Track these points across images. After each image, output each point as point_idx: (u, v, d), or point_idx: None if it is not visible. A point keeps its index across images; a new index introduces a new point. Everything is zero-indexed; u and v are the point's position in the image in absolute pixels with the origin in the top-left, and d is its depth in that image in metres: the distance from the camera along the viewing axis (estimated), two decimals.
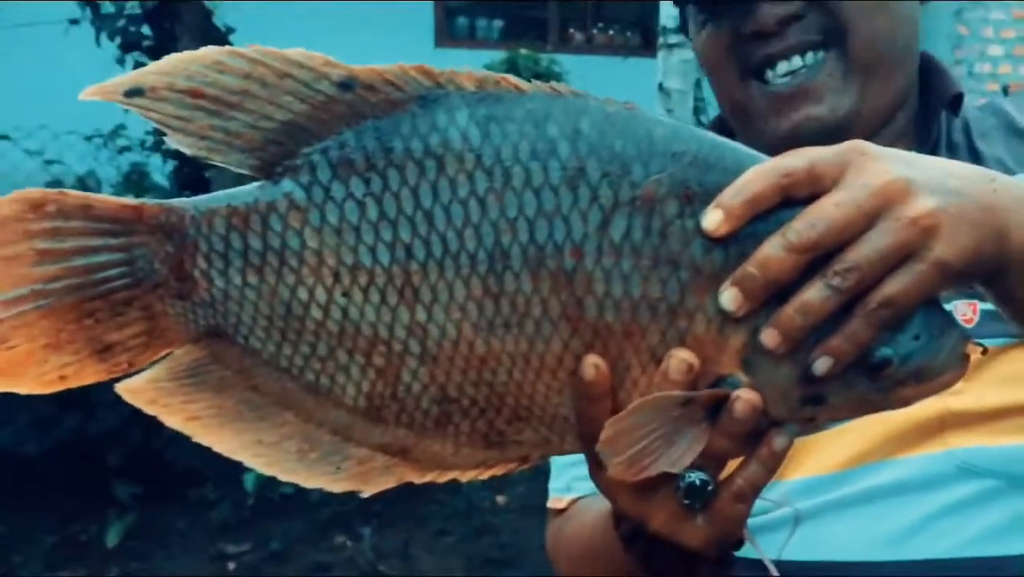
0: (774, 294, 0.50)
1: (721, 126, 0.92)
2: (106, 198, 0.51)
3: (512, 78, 0.51)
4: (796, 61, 0.78)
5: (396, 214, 0.50)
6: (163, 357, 0.53)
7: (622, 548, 0.64)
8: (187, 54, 0.49)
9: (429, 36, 6.48)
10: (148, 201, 0.52)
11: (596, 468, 0.55)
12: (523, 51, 5.05)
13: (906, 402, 0.53)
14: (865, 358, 0.50)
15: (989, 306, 0.72)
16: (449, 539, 3.13)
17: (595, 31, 7.01)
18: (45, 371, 0.51)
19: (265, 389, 0.53)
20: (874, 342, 0.50)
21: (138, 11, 3.69)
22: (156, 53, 3.72)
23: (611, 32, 7.00)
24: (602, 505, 0.72)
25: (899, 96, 0.82)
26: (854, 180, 0.49)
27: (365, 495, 0.55)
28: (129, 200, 0.51)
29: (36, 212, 0.49)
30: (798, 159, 0.50)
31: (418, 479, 0.55)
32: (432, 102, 0.51)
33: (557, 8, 6.81)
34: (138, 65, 3.77)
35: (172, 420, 0.53)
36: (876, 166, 0.50)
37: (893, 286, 0.48)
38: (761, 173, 0.50)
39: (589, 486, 0.83)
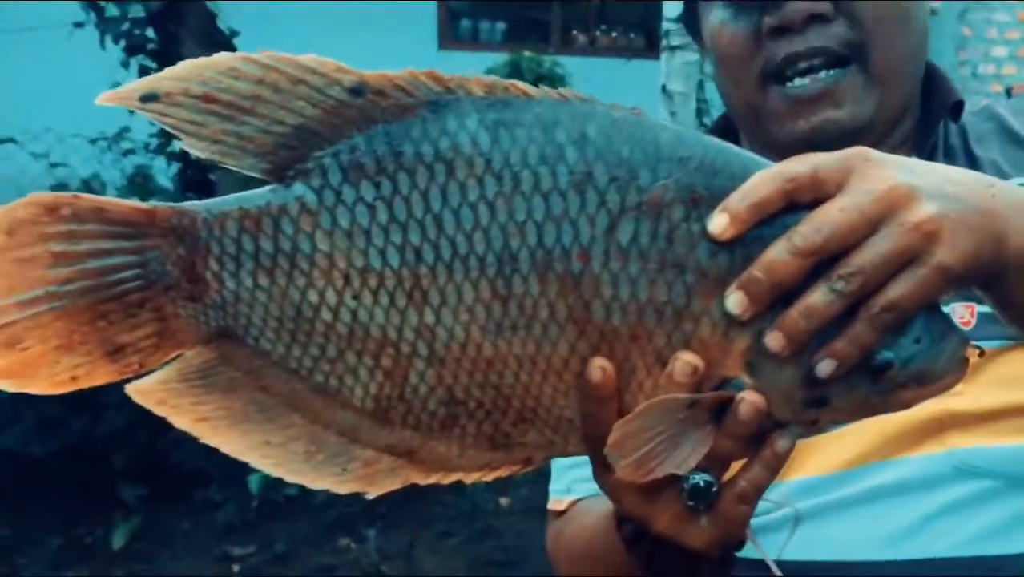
0: (778, 298, 0.50)
1: (724, 126, 0.92)
2: (119, 201, 0.51)
3: (520, 84, 0.52)
4: (819, 71, 0.78)
5: (406, 217, 0.51)
6: (173, 358, 0.54)
7: (624, 549, 0.64)
8: (201, 60, 0.50)
9: (432, 38, 6.49)
10: (161, 204, 0.52)
11: (601, 470, 0.55)
12: (526, 53, 5.06)
13: (907, 404, 0.54)
14: (867, 361, 0.51)
15: (986, 309, 0.72)
16: (453, 541, 3.13)
17: (598, 33, 7.01)
18: (57, 372, 0.51)
19: (274, 390, 0.54)
20: (876, 345, 0.50)
21: (142, 14, 3.70)
22: (160, 56, 3.74)
23: (614, 34, 7.01)
24: (602, 507, 0.72)
25: (907, 104, 0.83)
26: (858, 186, 0.50)
27: (370, 496, 0.55)
28: (142, 203, 0.52)
29: (51, 215, 0.50)
30: (802, 165, 0.51)
31: (423, 481, 0.56)
32: (442, 107, 0.51)
33: (560, 10, 6.82)
34: (143, 68, 3.80)
35: (181, 421, 0.53)
36: (879, 172, 0.50)
37: (896, 290, 0.49)
38: (766, 178, 0.51)
39: (589, 488, 0.83)
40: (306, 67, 0.50)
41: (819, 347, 0.50)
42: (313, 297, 0.52)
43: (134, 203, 0.52)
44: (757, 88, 0.80)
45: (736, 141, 0.90)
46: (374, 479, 0.55)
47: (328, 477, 0.55)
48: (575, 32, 6.99)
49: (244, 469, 0.55)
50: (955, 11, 6.13)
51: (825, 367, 0.50)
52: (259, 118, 0.51)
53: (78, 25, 3.79)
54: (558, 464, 0.90)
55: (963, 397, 0.75)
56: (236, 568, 2.99)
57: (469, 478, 0.56)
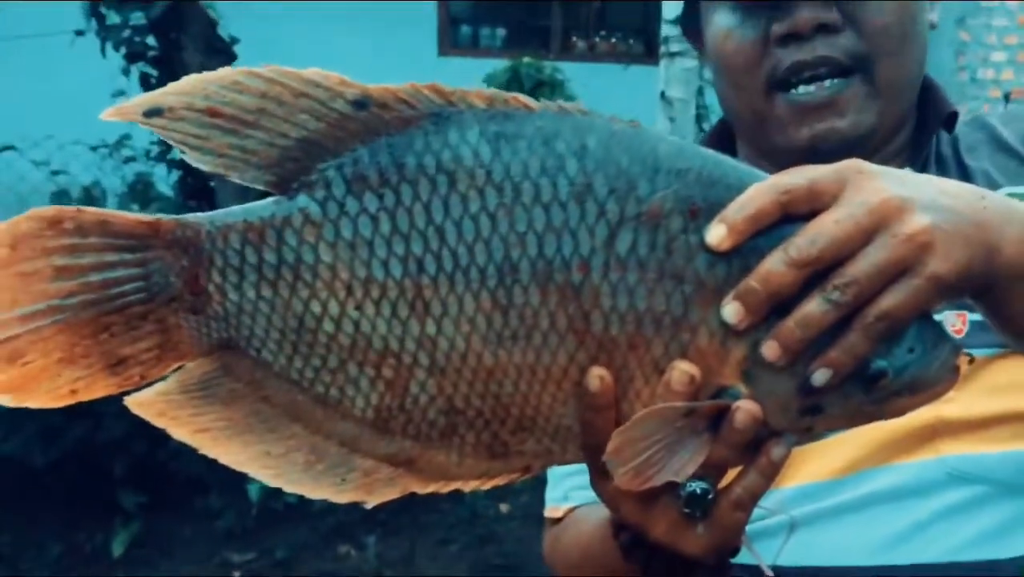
0: (774, 308, 0.51)
1: (722, 132, 0.93)
2: (123, 214, 0.52)
3: (521, 97, 0.52)
4: (824, 80, 0.78)
5: (408, 229, 0.51)
6: (174, 370, 0.54)
7: (621, 556, 0.65)
8: (205, 75, 0.50)
9: (432, 44, 6.50)
10: (164, 217, 0.52)
11: (599, 477, 0.56)
12: (526, 59, 5.06)
13: (900, 412, 0.54)
14: (861, 370, 0.51)
15: (978, 317, 0.73)
16: (453, 547, 3.13)
17: (598, 39, 7.02)
18: (58, 385, 0.51)
19: (275, 401, 0.54)
20: (870, 354, 0.51)
21: (143, 22, 3.70)
22: (161, 63, 3.74)
23: (614, 40, 7.02)
24: (599, 514, 0.73)
25: (906, 115, 0.84)
26: (852, 198, 0.50)
27: (369, 506, 0.55)
28: (146, 216, 0.52)
29: (53, 229, 0.50)
30: (798, 177, 0.52)
31: (422, 489, 0.56)
32: (444, 119, 0.52)
33: (560, 16, 6.83)
34: (144, 75, 3.80)
35: (180, 432, 0.53)
36: (873, 184, 0.51)
37: (890, 300, 0.50)
38: (763, 190, 0.51)
39: (585, 495, 0.84)
40: (309, 81, 0.51)
41: (814, 356, 0.51)
42: (316, 308, 0.52)
43: (138, 216, 0.52)
44: (761, 95, 0.81)
45: (733, 147, 0.90)
46: (373, 488, 0.55)
47: (327, 487, 0.55)
48: (575, 38, 7.00)
49: (244, 476, 0.55)
50: (954, 16, 6.15)
51: (820, 376, 0.51)
52: (263, 131, 0.51)
53: (79, 33, 3.79)
54: (555, 472, 0.90)
55: (955, 404, 0.76)
56: (236, 575, 2.99)
57: (468, 487, 0.56)
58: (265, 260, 0.52)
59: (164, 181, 4.06)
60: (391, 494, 0.56)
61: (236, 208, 0.53)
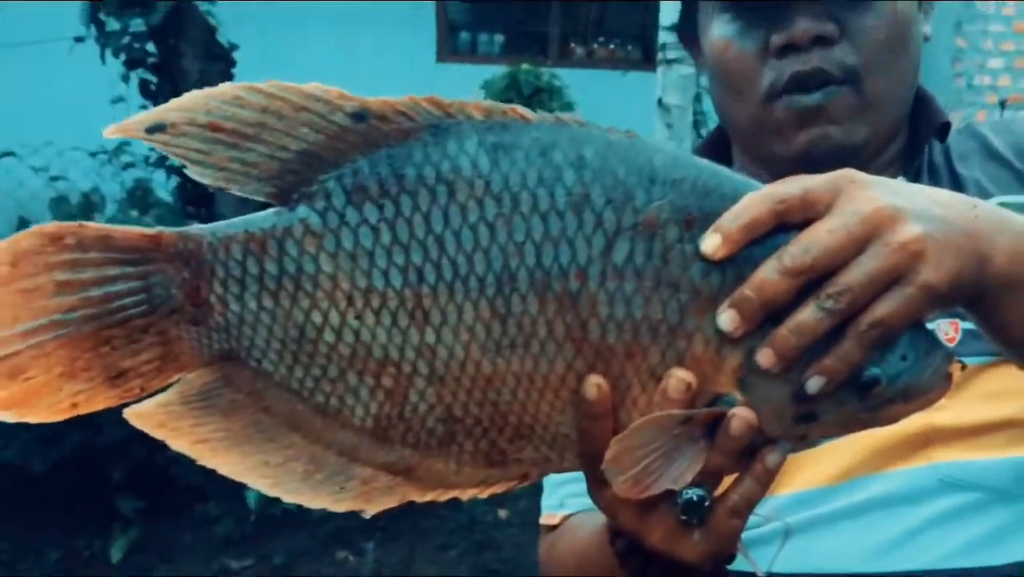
0: (769, 316, 0.51)
1: (718, 138, 0.93)
2: (125, 228, 0.52)
3: (519, 108, 0.53)
4: (819, 88, 0.79)
5: (408, 239, 0.52)
6: (174, 381, 0.53)
7: (617, 563, 0.65)
8: (206, 91, 0.50)
9: (431, 51, 6.51)
10: (166, 229, 0.52)
11: (596, 485, 0.56)
12: (524, 65, 5.07)
13: (893, 420, 0.55)
14: (855, 378, 0.52)
15: (971, 325, 0.74)
16: (452, 553, 3.13)
17: (595, 45, 7.04)
18: (58, 400, 0.51)
19: (274, 411, 0.54)
20: (864, 362, 0.51)
21: (143, 28, 3.71)
22: (161, 70, 3.75)
23: (612, 46, 7.03)
24: (595, 521, 0.73)
25: (898, 126, 0.85)
26: (845, 207, 0.51)
27: (368, 515, 0.56)
28: (147, 229, 0.52)
29: (55, 245, 0.50)
30: (792, 187, 0.52)
31: (420, 498, 0.56)
32: (443, 131, 0.52)
33: (558, 22, 6.84)
34: (143, 82, 3.80)
35: (179, 443, 0.53)
36: (866, 194, 0.52)
37: (883, 308, 0.50)
38: (758, 199, 0.52)
39: (581, 503, 0.84)
40: (309, 95, 0.51)
41: (808, 364, 0.51)
42: (316, 318, 0.53)
43: (139, 229, 0.52)
44: (759, 103, 0.82)
45: (729, 154, 0.91)
46: (371, 497, 0.56)
47: (326, 496, 0.55)
48: (573, 44, 7.01)
49: (242, 483, 0.56)
50: (951, 23, 6.16)
51: (815, 384, 0.52)
52: (264, 145, 0.51)
53: (79, 39, 3.80)
54: (550, 480, 0.90)
55: (947, 412, 0.76)
56: None
57: (466, 495, 0.57)
58: (266, 271, 0.53)
59: (163, 187, 4.07)
60: (389, 502, 0.56)
61: (237, 219, 0.53)
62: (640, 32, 6.89)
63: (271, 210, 0.53)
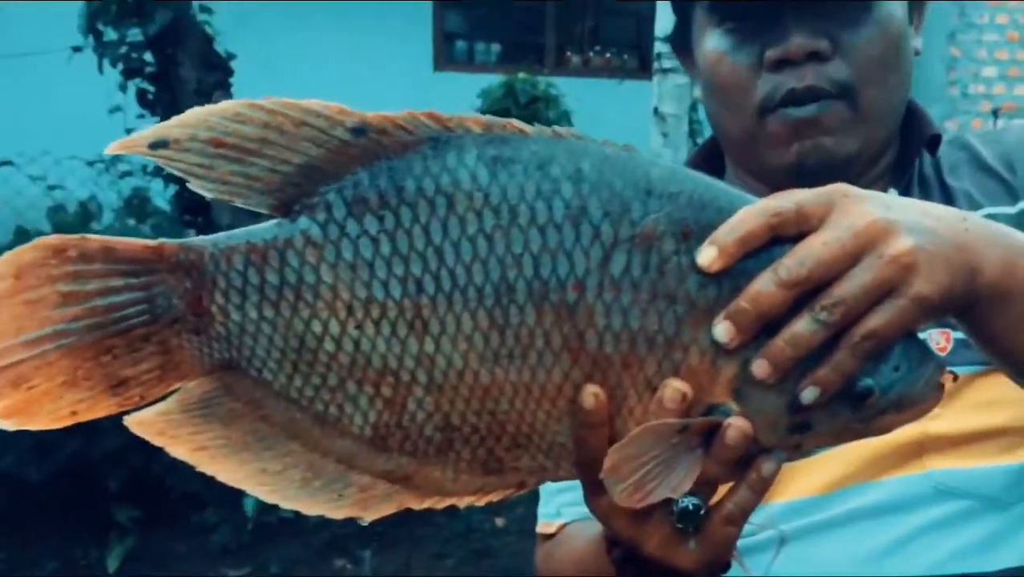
0: (764, 328, 0.52)
1: (711, 149, 0.94)
2: (127, 240, 0.52)
3: (517, 122, 0.53)
4: (813, 102, 0.80)
5: (408, 250, 0.52)
6: (174, 390, 0.54)
7: (614, 571, 0.66)
8: (208, 107, 0.51)
9: (428, 60, 6.54)
10: (168, 240, 0.53)
11: (592, 494, 0.57)
12: (521, 74, 5.08)
13: (886, 429, 0.56)
14: (849, 388, 0.52)
15: (962, 335, 0.74)
16: (449, 561, 3.13)
17: (592, 54, 7.06)
18: (59, 408, 0.52)
19: (273, 420, 0.55)
20: (858, 373, 0.52)
21: (140, 38, 3.72)
22: (158, 79, 3.76)
23: (608, 55, 7.06)
24: (591, 530, 0.74)
25: (890, 139, 0.86)
26: (839, 220, 0.52)
27: (365, 522, 0.56)
28: (149, 241, 0.53)
29: (58, 257, 0.51)
30: (787, 200, 0.53)
31: (417, 505, 0.57)
32: (442, 144, 0.53)
33: (555, 31, 6.87)
34: (140, 91, 3.81)
35: (179, 451, 0.53)
36: (859, 207, 0.52)
37: (876, 320, 0.51)
38: (753, 213, 0.53)
39: (577, 512, 0.85)
40: (310, 110, 0.52)
41: (803, 375, 0.52)
42: (316, 328, 0.53)
43: (142, 241, 0.53)
44: (753, 116, 0.82)
45: (722, 165, 0.92)
46: (369, 504, 0.56)
47: (323, 503, 0.55)
48: (569, 53, 7.04)
49: (239, 491, 0.56)
50: (945, 32, 6.19)
51: (809, 394, 0.52)
52: (266, 159, 0.52)
53: (76, 49, 3.81)
54: (546, 488, 0.91)
55: (941, 421, 0.77)
56: None
57: (463, 502, 0.57)
58: (267, 281, 0.53)
59: (161, 195, 4.08)
60: (387, 510, 0.56)
61: (238, 231, 0.54)
62: (636, 41, 6.93)
63: (272, 221, 0.54)
